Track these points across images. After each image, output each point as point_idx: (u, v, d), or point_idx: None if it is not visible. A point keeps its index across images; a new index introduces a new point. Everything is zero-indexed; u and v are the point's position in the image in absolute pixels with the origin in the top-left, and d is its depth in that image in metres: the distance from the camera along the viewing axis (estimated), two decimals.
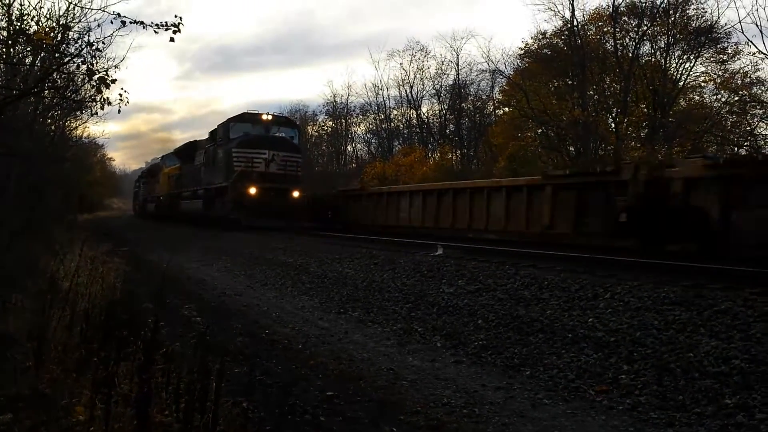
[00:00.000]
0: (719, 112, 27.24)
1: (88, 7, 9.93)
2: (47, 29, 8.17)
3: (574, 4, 29.25)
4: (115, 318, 3.91)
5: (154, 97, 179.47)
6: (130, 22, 6.47)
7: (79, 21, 10.72)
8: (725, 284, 6.26)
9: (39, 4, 13.11)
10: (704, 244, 9.82)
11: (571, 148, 29.36)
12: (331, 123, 51.54)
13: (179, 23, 6.62)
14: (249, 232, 18.60)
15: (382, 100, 47.01)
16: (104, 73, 7.01)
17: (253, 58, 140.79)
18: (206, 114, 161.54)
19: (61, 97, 10.28)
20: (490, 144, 33.83)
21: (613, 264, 8.65)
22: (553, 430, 4.04)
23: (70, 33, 9.66)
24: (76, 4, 9.61)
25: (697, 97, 29.31)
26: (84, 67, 7.32)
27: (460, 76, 41.82)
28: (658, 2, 27.47)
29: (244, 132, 21.74)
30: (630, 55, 28.31)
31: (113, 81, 6.87)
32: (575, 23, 29.50)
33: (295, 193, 21.03)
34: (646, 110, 28.07)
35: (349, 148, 52.01)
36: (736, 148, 25.40)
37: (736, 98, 26.41)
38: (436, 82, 43.70)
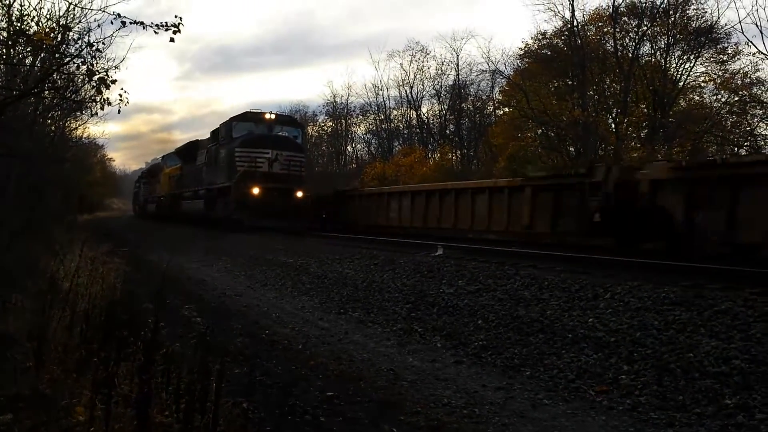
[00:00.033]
0: (719, 113, 27.27)
1: (88, 7, 9.95)
2: (47, 30, 8.17)
3: (574, 4, 29.31)
4: (115, 318, 3.91)
5: (154, 98, 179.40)
6: (130, 23, 6.48)
7: (79, 21, 10.72)
8: (725, 284, 6.26)
9: (39, 5, 13.09)
10: (671, 243, 10.24)
11: (571, 149, 29.38)
12: (331, 123, 51.62)
13: (179, 23, 6.63)
14: (249, 233, 18.53)
15: (382, 100, 47.11)
16: (104, 73, 7.03)
17: (253, 59, 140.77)
18: (206, 114, 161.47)
19: (61, 97, 10.28)
20: (490, 144, 33.84)
21: (613, 264, 8.65)
22: (553, 430, 4.04)
23: (70, 33, 9.67)
24: (76, 5, 9.62)
25: (697, 98, 29.36)
26: (84, 67, 7.33)
27: (460, 77, 41.91)
28: (658, 2, 27.54)
29: (247, 131, 21.44)
30: (630, 55, 28.33)
31: (113, 81, 6.89)
32: (575, 23, 29.56)
33: (299, 194, 20.77)
34: (646, 110, 28.09)
35: (349, 148, 52.14)
36: (736, 149, 25.42)
37: (736, 98, 26.43)
38: (436, 82, 43.79)
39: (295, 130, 23.32)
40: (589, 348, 5.36)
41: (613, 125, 28.72)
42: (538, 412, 4.33)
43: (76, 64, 8.04)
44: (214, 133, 23.99)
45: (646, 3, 27.84)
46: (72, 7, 9.81)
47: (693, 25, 27.62)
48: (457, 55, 46.35)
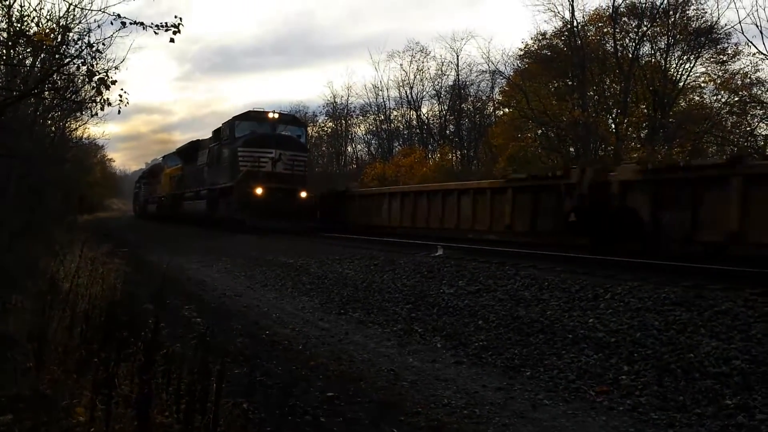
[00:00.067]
0: (719, 113, 27.25)
1: (88, 8, 9.98)
2: (47, 30, 8.18)
3: (574, 4, 29.31)
4: (115, 319, 3.91)
5: (154, 98, 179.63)
6: (130, 23, 6.49)
7: (79, 22, 10.74)
8: (726, 285, 6.27)
9: (39, 6, 13.11)
10: (640, 241, 10.76)
11: (571, 149, 29.38)
12: (331, 124, 51.60)
13: (179, 24, 6.64)
14: (249, 234, 18.50)
15: (382, 100, 47.10)
16: (104, 74, 7.04)
17: (253, 59, 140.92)
18: (206, 115, 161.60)
19: (61, 98, 10.29)
20: (490, 145, 33.84)
21: (614, 264, 8.66)
22: (553, 430, 4.04)
23: (70, 34, 9.68)
24: (76, 6, 9.65)
25: (697, 98, 29.36)
26: (84, 68, 7.35)
27: (460, 77, 41.91)
28: (658, 3, 27.54)
29: (249, 130, 21.11)
30: (630, 55, 28.33)
31: (113, 82, 6.90)
32: (575, 24, 29.56)
33: (303, 194, 20.49)
34: (646, 111, 28.09)
35: (349, 148, 52.12)
36: (736, 149, 25.41)
37: (736, 99, 26.42)
38: (436, 82, 43.80)
39: (299, 129, 23.01)
40: (589, 348, 5.36)
41: (613, 126, 28.72)
42: (539, 412, 4.33)
43: (76, 65, 8.06)
44: (216, 132, 23.69)
45: (645, 3, 27.88)
46: (72, 7, 9.83)
47: (693, 26, 27.64)
48: (457, 56, 46.32)
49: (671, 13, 27.78)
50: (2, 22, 9.13)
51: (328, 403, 4.38)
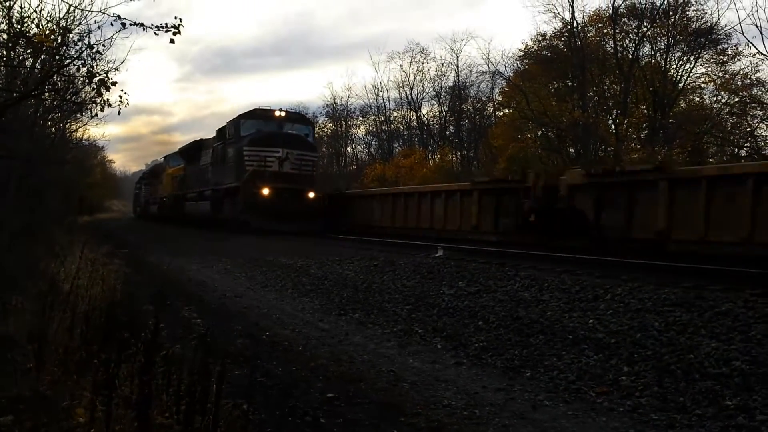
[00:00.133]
0: (719, 114, 27.24)
1: (88, 9, 9.98)
2: (47, 32, 8.17)
3: (574, 5, 29.32)
4: (115, 320, 3.92)
5: (154, 99, 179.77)
6: (131, 24, 6.49)
7: (80, 23, 10.72)
8: (726, 285, 6.27)
9: (39, 7, 13.10)
10: (586, 239, 11.77)
11: (571, 150, 29.38)
12: (331, 125, 51.59)
13: (179, 25, 6.64)
14: (249, 235, 18.40)
15: (382, 101, 47.08)
16: (104, 75, 7.04)
17: (253, 60, 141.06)
18: (206, 116, 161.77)
19: (61, 99, 10.28)
20: (490, 146, 33.84)
21: (614, 265, 8.66)
22: (553, 431, 4.04)
23: (71, 35, 9.67)
24: (76, 7, 9.65)
25: (697, 99, 29.33)
26: (84, 69, 7.36)
27: (460, 78, 41.91)
28: (658, 3, 27.54)
29: (255, 129, 20.56)
30: (630, 56, 28.34)
31: (113, 83, 6.90)
32: (575, 25, 29.57)
33: (311, 194, 20.01)
34: (646, 111, 28.09)
35: (349, 149, 52.09)
36: (736, 150, 25.42)
37: (737, 99, 26.41)
38: (436, 83, 43.78)
39: (306, 127, 22.48)
40: (589, 349, 5.36)
41: (613, 126, 28.72)
42: (539, 413, 4.33)
43: (76, 66, 8.06)
44: (220, 131, 23.15)
45: (645, 4, 27.88)
46: (72, 9, 9.84)
47: (693, 26, 27.64)
48: (457, 57, 46.27)
49: (671, 13, 27.81)
50: (2, 23, 9.14)
51: (328, 404, 4.38)
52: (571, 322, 6.05)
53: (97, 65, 7.68)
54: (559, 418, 4.22)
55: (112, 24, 6.60)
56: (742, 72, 26.85)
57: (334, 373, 5.19)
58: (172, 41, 6.68)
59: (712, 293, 5.97)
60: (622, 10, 28.59)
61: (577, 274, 7.70)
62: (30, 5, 10.04)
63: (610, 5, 28.62)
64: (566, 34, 30.09)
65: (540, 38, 32.40)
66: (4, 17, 9.03)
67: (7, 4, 8.84)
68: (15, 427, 2.97)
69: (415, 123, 45.48)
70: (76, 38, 9.55)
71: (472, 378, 5.14)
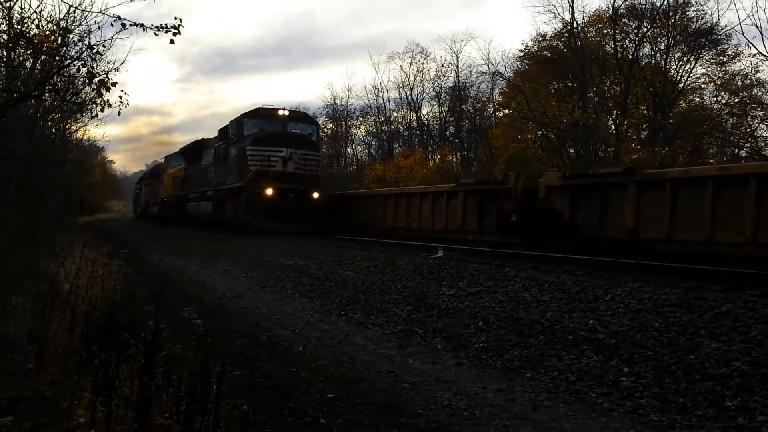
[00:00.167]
0: (719, 114, 27.25)
1: (88, 9, 9.98)
2: (47, 32, 8.17)
3: (574, 6, 29.33)
4: (115, 320, 3.92)
5: (154, 100, 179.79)
6: (131, 25, 6.50)
7: (80, 24, 10.71)
8: (726, 286, 6.26)
9: (39, 7, 13.10)
10: (563, 238, 12.30)
11: (572, 150, 29.39)
12: (331, 125, 51.59)
13: (179, 25, 6.64)
14: (249, 235, 18.35)
15: (382, 102, 47.08)
16: (104, 75, 7.05)
17: (254, 61, 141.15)
18: (206, 116, 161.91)
19: (61, 99, 10.27)
20: (490, 146, 33.85)
21: (614, 266, 8.65)
22: None
23: (71, 36, 9.65)
24: (76, 7, 9.65)
25: (697, 99, 29.34)
26: (84, 70, 7.37)
27: (460, 78, 41.90)
28: (658, 4, 27.54)
29: (258, 128, 20.21)
30: (630, 56, 28.34)
31: (113, 84, 6.91)
32: (575, 25, 29.58)
33: (315, 195, 19.67)
34: (646, 112, 28.09)
35: (350, 150, 52.08)
36: (736, 150, 25.43)
37: (737, 100, 26.42)
38: (436, 84, 43.77)
39: (310, 127, 22.11)
40: (589, 350, 5.36)
41: (613, 127, 28.73)
42: (539, 413, 4.33)
43: (76, 67, 8.07)
44: (222, 131, 22.85)
45: (645, 4, 27.89)
46: (72, 9, 9.83)
47: (693, 27, 27.64)
48: (457, 57, 46.17)
49: (671, 14, 27.80)
50: (2, 23, 9.14)
51: (329, 405, 4.38)
52: (571, 322, 6.05)
53: (97, 66, 7.68)
54: (559, 419, 4.22)
55: (112, 24, 6.61)
56: (742, 72, 26.90)
57: (334, 374, 5.19)
58: (172, 42, 6.69)
59: (712, 294, 5.96)
60: (622, 11, 28.64)
61: (577, 274, 7.70)
62: (30, 6, 10.06)
63: (610, 6, 28.69)
64: (566, 34, 30.11)
65: (540, 39, 32.45)
66: (5, 18, 9.03)
67: (8, 4, 8.85)
68: (15, 427, 2.97)
69: (415, 123, 45.51)
70: (76, 39, 9.55)
71: (473, 378, 5.14)
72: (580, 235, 11.98)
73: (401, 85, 44.97)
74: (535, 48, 32.71)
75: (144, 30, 6.55)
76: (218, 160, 22.95)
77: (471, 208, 15.23)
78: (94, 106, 7.38)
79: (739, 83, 26.73)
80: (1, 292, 5.39)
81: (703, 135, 25.53)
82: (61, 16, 10.65)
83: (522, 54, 33.72)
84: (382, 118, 47.38)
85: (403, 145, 44.92)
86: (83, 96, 9.39)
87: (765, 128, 26.09)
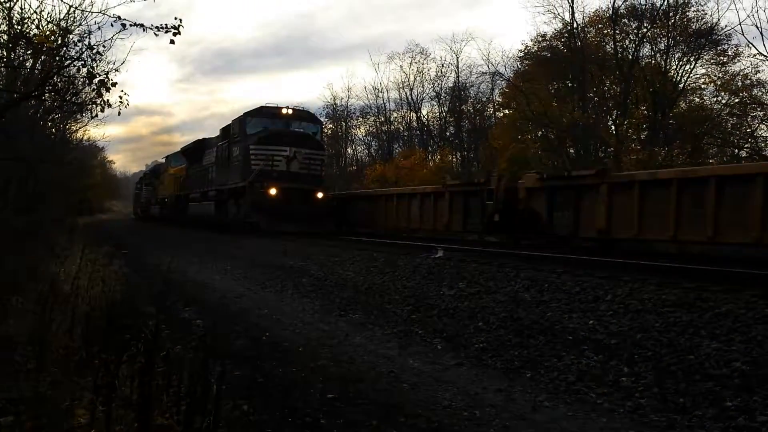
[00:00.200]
0: (719, 114, 27.23)
1: (88, 10, 9.99)
2: (48, 32, 8.18)
3: (574, 6, 29.33)
4: (116, 321, 3.92)
5: (154, 100, 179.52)
6: (131, 25, 6.52)
7: (80, 24, 10.74)
8: (726, 286, 6.26)
9: (39, 8, 13.10)
10: (541, 237, 12.95)
11: (572, 151, 29.38)
12: (331, 125, 51.61)
13: (179, 26, 6.67)
14: (250, 236, 18.31)
15: (382, 102, 47.15)
16: (105, 76, 7.07)
17: (254, 61, 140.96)
18: (206, 117, 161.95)
19: (61, 100, 10.28)
20: (491, 146, 33.85)
21: (614, 266, 8.65)
22: None
23: (71, 36, 9.68)
24: (76, 8, 9.67)
25: (697, 99, 29.31)
26: (84, 70, 7.39)
27: (460, 79, 41.97)
28: (658, 4, 27.54)
29: (262, 127, 19.88)
30: (630, 57, 28.33)
31: (114, 84, 6.93)
32: (575, 25, 29.58)
33: (320, 195, 19.45)
34: (646, 112, 28.08)
35: (349, 150, 52.13)
36: (736, 150, 25.41)
37: (737, 100, 26.41)
38: (436, 84, 43.84)
39: (314, 126, 21.80)
40: (589, 350, 5.36)
41: (613, 127, 28.72)
42: (539, 414, 4.33)
43: (76, 67, 8.10)
44: (224, 130, 22.55)
45: (645, 5, 27.88)
46: (72, 9, 9.85)
47: (693, 27, 27.64)
48: (457, 57, 46.40)
49: (671, 14, 27.79)
50: (3, 24, 9.15)
51: (329, 405, 4.38)
52: (571, 323, 6.05)
53: (97, 66, 7.71)
54: (559, 419, 4.22)
55: (112, 25, 6.64)
56: (742, 73, 26.88)
57: (334, 374, 5.19)
58: (172, 42, 6.71)
59: (712, 294, 5.96)
60: (622, 11, 28.63)
61: (577, 275, 7.69)
62: (30, 6, 10.07)
63: (610, 6, 28.69)
64: (566, 34, 30.11)
65: (540, 39, 32.45)
66: (5, 18, 9.05)
67: (8, 5, 8.86)
68: (15, 427, 2.97)
69: (415, 124, 45.56)
70: (76, 39, 9.57)
71: (473, 379, 5.14)
72: (557, 234, 12.64)
73: (401, 86, 45.09)
74: (535, 48, 32.74)
75: (144, 30, 6.57)
76: (220, 159, 22.68)
77: (457, 209, 15.81)
78: (94, 106, 7.40)
79: (739, 83, 26.72)
80: (2, 291, 5.39)
81: (703, 135, 25.51)
82: (61, 17, 10.67)
83: (522, 54, 33.78)
84: (382, 119, 47.48)
85: (403, 146, 44.97)
86: (83, 96, 9.42)
87: (765, 128, 26.07)
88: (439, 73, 43.57)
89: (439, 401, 4.57)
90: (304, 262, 11.87)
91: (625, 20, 28.86)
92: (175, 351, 3.83)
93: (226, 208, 21.27)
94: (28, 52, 9.38)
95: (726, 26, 26.56)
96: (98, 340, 3.80)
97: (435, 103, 44.38)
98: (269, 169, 19.06)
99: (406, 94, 44.96)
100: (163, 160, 38.39)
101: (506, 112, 35.69)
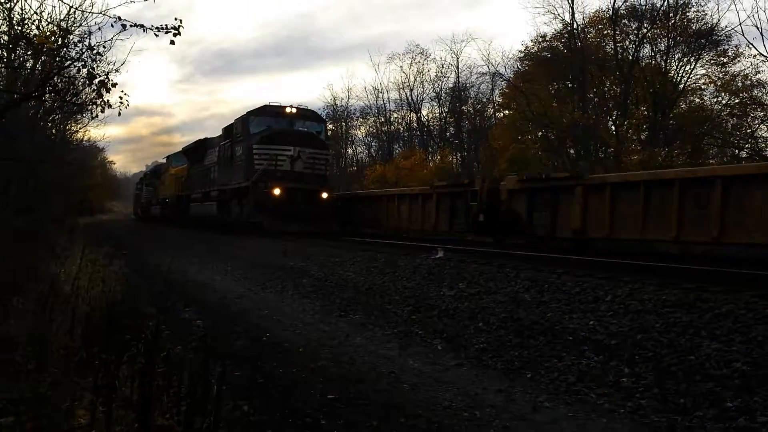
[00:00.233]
0: (720, 115, 27.23)
1: (88, 10, 10.00)
2: (48, 33, 8.18)
3: (574, 6, 29.34)
4: (116, 321, 3.92)
5: (154, 101, 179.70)
6: (131, 26, 6.52)
7: (80, 25, 10.75)
8: (726, 287, 6.26)
9: (40, 8, 13.12)
10: (522, 237, 13.59)
11: (572, 151, 29.38)
12: (331, 126, 51.59)
13: (179, 26, 6.67)
14: (251, 236, 18.29)
15: (382, 103, 47.13)
16: (105, 76, 7.07)
17: (254, 62, 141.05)
18: (207, 117, 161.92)
19: (61, 100, 10.29)
20: (491, 147, 33.85)
21: (614, 267, 8.65)
22: None
23: (71, 37, 9.67)
24: (76, 8, 9.68)
25: (697, 100, 29.31)
26: (85, 70, 7.40)
27: (460, 79, 41.96)
28: (658, 5, 27.54)
29: (265, 126, 19.60)
30: (630, 57, 28.33)
31: (114, 85, 6.93)
32: (575, 26, 29.58)
33: (324, 195, 19.16)
34: (646, 113, 28.07)
35: (350, 151, 52.12)
36: (737, 151, 25.41)
37: (737, 101, 26.40)
38: (436, 85, 43.83)
39: (318, 125, 21.50)
40: (590, 351, 5.36)
41: (614, 128, 28.72)
42: (539, 414, 4.33)
43: (76, 68, 8.10)
44: (227, 129, 22.28)
45: (646, 5, 27.88)
46: (72, 10, 9.86)
47: (693, 28, 27.62)
48: (457, 58, 46.31)
49: (671, 15, 27.79)
50: (3, 24, 9.15)
51: (329, 406, 4.38)
52: (571, 323, 6.05)
53: (97, 66, 7.72)
54: (559, 420, 4.22)
55: (112, 25, 6.64)
56: (742, 73, 26.88)
57: (334, 375, 5.19)
58: (172, 42, 6.72)
59: (712, 295, 5.96)
60: (622, 12, 28.63)
61: (577, 275, 7.69)
62: (30, 7, 10.08)
63: (610, 6, 28.68)
64: (566, 35, 30.11)
65: (540, 39, 32.43)
66: (5, 19, 9.05)
67: (8, 5, 8.86)
68: (16, 428, 2.97)
69: (415, 124, 45.55)
70: (76, 39, 9.56)
71: (473, 379, 5.14)
72: (536, 234, 13.19)
73: (401, 86, 45.08)
74: (536, 49, 32.73)
75: (144, 31, 6.58)
76: (223, 159, 22.43)
77: (443, 209, 16.47)
78: (95, 106, 7.40)
79: (740, 84, 26.72)
80: (2, 292, 5.39)
81: (703, 136, 25.51)
82: (62, 17, 10.68)
83: (522, 55, 33.78)
84: (382, 119, 47.48)
85: (404, 146, 44.97)
86: (83, 97, 9.41)
87: (765, 129, 26.09)
88: (439, 74, 43.63)
89: (439, 402, 4.56)
90: (304, 263, 11.87)
91: (625, 21, 28.88)
92: (175, 351, 3.83)
93: (228, 208, 21.05)
94: (29, 52, 9.38)
95: (726, 27, 26.58)
96: (98, 341, 3.80)
97: (435, 104, 44.46)
98: (273, 168, 18.81)
99: (406, 94, 45.01)
100: (164, 161, 38.25)
101: (506, 112, 35.70)
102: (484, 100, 40.95)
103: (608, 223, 11.28)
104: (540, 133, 30.59)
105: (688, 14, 27.80)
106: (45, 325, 4.14)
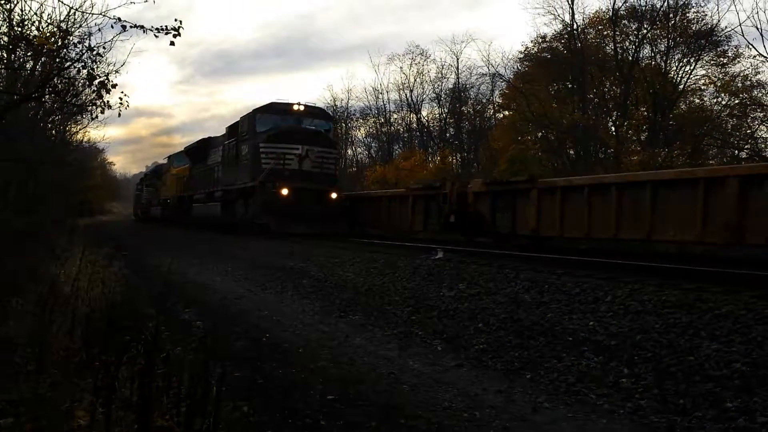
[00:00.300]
0: (719, 115, 27.23)
1: (88, 11, 10.02)
2: (48, 34, 8.19)
3: (574, 7, 29.36)
4: (116, 322, 3.92)
5: (154, 102, 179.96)
6: (131, 27, 6.54)
7: (80, 26, 10.77)
8: (726, 287, 6.25)
9: (40, 9, 13.10)
10: (488, 236, 14.56)
11: (572, 152, 29.38)
12: None
13: (179, 27, 6.69)
14: (251, 237, 18.22)
15: (382, 103, 47.14)
16: (105, 77, 7.08)
17: (254, 62, 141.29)
18: (207, 118, 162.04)
19: (61, 101, 10.29)
20: (491, 147, 33.86)
21: (614, 267, 8.65)
22: None
23: (71, 38, 9.66)
24: (76, 9, 9.69)
25: (697, 101, 29.31)
26: (84, 71, 7.41)
27: (460, 80, 42.00)
28: (658, 5, 27.55)
29: (272, 124, 19.06)
30: (630, 58, 28.35)
31: (114, 85, 6.95)
32: (575, 27, 29.60)
33: (333, 195, 18.68)
34: (646, 113, 28.08)
35: (350, 151, 52.12)
36: (736, 151, 25.42)
37: (737, 101, 26.41)
38: (436, 85, 43.85)
39: (327, 123, 20.97)
40: (589, 351, 5.36)
41: (614, 128, 28.73)
42: (539, 415, 4.33)
43: (76, 69, 8.11)
44: (231, 128, 21.77)
45: (646, 6, 27.90)
46: (72, 11, 9.87)
47: (693, 28, 27.64)
48: (457, 59, 46.18)
49: (671, 15, 27.80)
50: (3, 26, 9.16)
51: (329, 406, 4.38)
52: (571, 324, 6.05)
53: (97, 68, 7.72)
54: (559, 421, 4.22)
55: (112, 26, 6.66)
56: (742, 74, 26.89)
57: (334, 375, 5.19)
58: (172, 43, 6.74)
59: (712, 295, 5.96)
60: (622, 12, 28.64)
61: (577, 276, 7.69)
62: (30, 8, 10.08)
63: (610, 7, 28.70)
64: (566, 36, 30.13)
65: (540, 40, 32.47)
66: (5, 20, 9.06)
67: (8, 6, 8.86)
68: (15, 429, 2.97)
69: (415, 125, 45.55)
70: (76, 41, 9.56)
71: (473, 380, 5.14)
72: (499, 234, 14.14)
73: (401, 87, 45.09)
74: (535, 49, 32.76)
75: (144, 32, 6.60)
76: (227, 158, 21.92)
77: (419, 210, 17.39)
78: (95, 107, 7.42)
79: (740, 84, 26.73)
80: (2, 293, 5.39)
81: (703, 136, 25.51)
82: (62, 18, 10.70)
83: (522, 55, 33.80)
84: (382, 120, 47.50)
85: (403, 147, 44.97)
86: (83, 98, 9.43)
87: (765, 129, 26.08)
88: (439, 75, 43.66)
89: (439, 402, 4.56)
90: (304, 264, 11.87)
91: (625, 21, 28.90)
92: (175, 352, 3.83)
93: (233, 208, 20.59)
94: (29, 53, 9.39)
95: (726, 27, 26.57)
96: (98, 342, 3.80)
97: (435, 105, 44.48)
98: (280, 167, 18.25)
99: (406, 95, 45.03)
100: (165, 161, 37.99)
101: (506, 113, 35.72)
102: (484, 100, 41.04)
103: (559, 223, 12.26)
104: (540, 133, 30.60)
105: (688, 15, 27.85)
106: (45, 326, 4.14)
